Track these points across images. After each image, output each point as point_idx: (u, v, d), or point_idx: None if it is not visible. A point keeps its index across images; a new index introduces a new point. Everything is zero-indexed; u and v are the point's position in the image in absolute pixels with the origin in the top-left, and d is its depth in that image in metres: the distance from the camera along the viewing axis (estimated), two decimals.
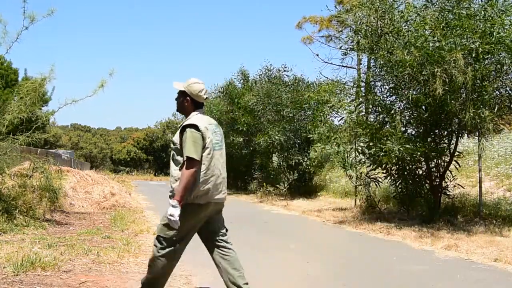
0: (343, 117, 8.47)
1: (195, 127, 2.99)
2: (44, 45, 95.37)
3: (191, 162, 2.92)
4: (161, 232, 3.07)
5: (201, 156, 2.98)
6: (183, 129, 3.03)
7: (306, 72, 71.02)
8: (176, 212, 2.93)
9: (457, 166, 8.38)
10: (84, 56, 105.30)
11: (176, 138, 3.10)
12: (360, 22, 7.84)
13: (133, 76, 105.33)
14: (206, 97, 3.20)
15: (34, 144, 7.42)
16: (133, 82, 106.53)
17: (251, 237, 6.53)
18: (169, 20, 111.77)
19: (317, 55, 39.70)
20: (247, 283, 3.15)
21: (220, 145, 3.18)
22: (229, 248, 3.25)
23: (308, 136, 10.84)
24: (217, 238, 3.25)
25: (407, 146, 7.09)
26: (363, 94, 8.48)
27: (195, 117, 3.10)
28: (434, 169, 8.20)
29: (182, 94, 3.18)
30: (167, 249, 3.05)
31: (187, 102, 3.16)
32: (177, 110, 3.33)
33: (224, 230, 3.29)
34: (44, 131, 9.54)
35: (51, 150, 19.91)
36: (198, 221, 3.14)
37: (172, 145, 3.17)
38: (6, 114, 6.52)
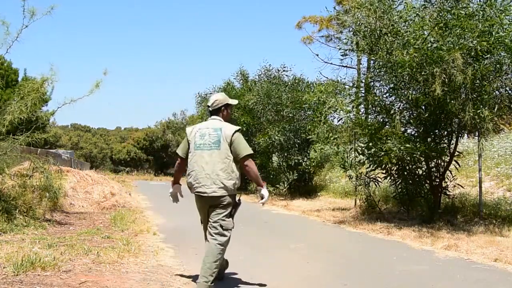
0: (342, 118, 8.47)
1: (185, 131, 3.88)
2: (44, 45, 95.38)
3: (175, 156, 3.97)
4: None
5: (186, 153, 3.79)
6: None
7: (306, 72, 71.19)
8: (169, 191, 4.14)
9: (457, 166, 8.38)
10: (83, 56, 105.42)
11: None
12: (359, 23, 7.84)
13: (133, 76, 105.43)
14: (211, 105, 3.83)
15: (34, 144, 7.42)
16: (133, 82, 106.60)
17: (251, 237, 6.53)
18: (169, 20, 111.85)
19: (317, 55, 39.75)
20: (212, 273, 3.48)
21: (210, 145, 3.64)
22: (208, 240, 3.66)
23: (308, 136, 10.84)
24: (209, 228, 3.68)
25: (407, 145, 7.10)
26: (362, 95, 8.48)
27: (194, 125, 3.94)
28: (434, 169, 8.21)
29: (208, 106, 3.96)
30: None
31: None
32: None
33: (211, 222, 3.64)
34: (44, 131, 9.55)
35: (51, 150, 19.90)
36: (199, 207, 3.79)
37: None
38: (6, 114, 6.52)
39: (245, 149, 3.64)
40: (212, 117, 3.81)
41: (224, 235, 3.59)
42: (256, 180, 3.75)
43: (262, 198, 3.74)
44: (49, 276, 3.58)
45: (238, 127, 3.76)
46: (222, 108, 3.83)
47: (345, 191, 12.85)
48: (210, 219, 3.63)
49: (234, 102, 4.05)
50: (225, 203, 3.60)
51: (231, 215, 3.67)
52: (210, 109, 3.82)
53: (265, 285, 3.92)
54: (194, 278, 4.10)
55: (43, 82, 6.82)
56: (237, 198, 3.75)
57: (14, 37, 6.53)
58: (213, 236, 3.59)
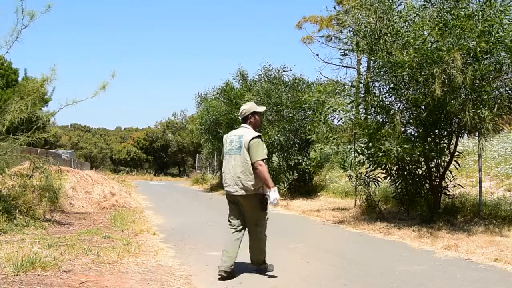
0: (341, 118, 8.47)
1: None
2: (44, 45, 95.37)
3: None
4: None
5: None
6: None
7: (306, 72, 71.15)
8: None
9: (457, 166, 8.38)
10: (83, 56, 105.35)
11: None
12: (359, 23, 7.84)
13: (133, 76, 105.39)
14: (239, 114, 4.39)
15: (34, 144, 7.42)
16: (133, 82, 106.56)
17: None
18: (169, 20, 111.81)
19: (317, 55, 39.87)
20: (230, 259, 4.15)
21: (234, 150, 4.20)
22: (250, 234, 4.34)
23: (308, 137, 10.84)
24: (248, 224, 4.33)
25: (406, 146, 7.10)
26: (362, 95, 8.48)
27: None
28: (434, 169, 8.21)
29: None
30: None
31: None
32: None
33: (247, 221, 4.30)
34: (44, 131, 9.54)
35: (51, 150, 19.90)
36: (229, 203, 4.36)
37: None
38: (6, 114, 6.52)
39: (257, 154, 4.10)
40: (242, 125, 4.35)
41: (258, 226, 4.29)
42: (264, 182, 4.11)
43: (268, 199, 4.10)
44: (49, 276, 3.58)
45: (257, 134, 4.20)
46: (249, 116, 4.32)
47: (345, 191, 12.84)
48: (246, 217, 4.29)
49: (262, 109, 4.45)
50: (249, 200, 4.15)
51: (262, 209, 4.23)
52: (240, 118, 4.37)
53: (265, 285, 3.92)
54: (194, 277, 4.10)
55: (43, 82, 6.81)
56: (268, 192, 4.08)
57: (14, 37, 6.53)
58: (250, 229, 4.31)
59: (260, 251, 4.31)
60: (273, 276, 4.26)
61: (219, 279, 4.05)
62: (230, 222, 4.35)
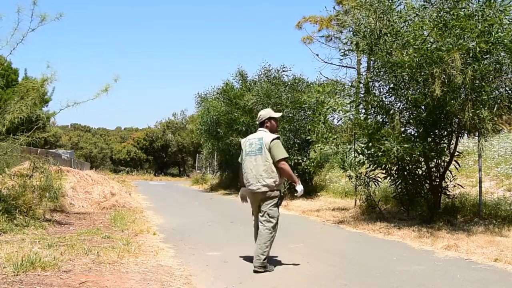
0: (341, 118, 8.47)
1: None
2: (44, 45, 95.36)
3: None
4: None
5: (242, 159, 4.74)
6: None
7: (306, 72, 71.09)
8: (239, 193, 4.85)
9: (457, 166, 8.38)
10: (83, 56, 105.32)
11: None
12: (358, 23, 7.83)
13: (133, 76, 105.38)
14: (257, 119, 4.81)
15: (34, 144, 7.42)
16: (133, 82, 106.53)
17: (251, 237, 6.53)
18: (169, 20, 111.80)
19: (317, 55, 39.82)
20: (263, 250, 4.42)
21: (255, 151, 4.58)
22: (259, 226, 4.57)
23: (307, 137, 10.84)
24: (259, 216, 4.62)
25: (406, 145, 7.10)
26: (362, 95, 8.48)
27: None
28: (434, 169, 8.21)
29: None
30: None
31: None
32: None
33: (261, 215, 4.59)
34: (44, 131, 9.54)
35: (51, 150, 19.90)
36: (251, 201, 4.71)
37: None
38: (6, 114, 6.52)
39: (279, 153, 4.50)
40: (259, 129, 4.76)
41: (270, 222, 4.51)
42: (289, 178, 4.61)
43: (296, 192, 4.60)
44: (49, 276, 3.58)
45: (276, 136, 4.62)
46: (266, 121, 4.72)
47: (345, 191, 12.84)
48: (260, 210, 4.59)
49: (277, 115, 4.82)
50: (269, 196, 4.51)
51: (276, 205, 4.56)
52: (258, 122, 4.80)
53: (265, 285, 3.92)
54: (194, 277, 4.11)
55: (44, 82, 6.81)
56: (295, 186, 4.54)
57: (19, 39, 6.51)
58: (262, 223, 4.54)
59: (266, 246, 4.43)
60: (273, 276, 4.26)
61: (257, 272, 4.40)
62: (256, 218, 4.74)
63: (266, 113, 4.77)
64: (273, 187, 4.48)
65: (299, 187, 4.54)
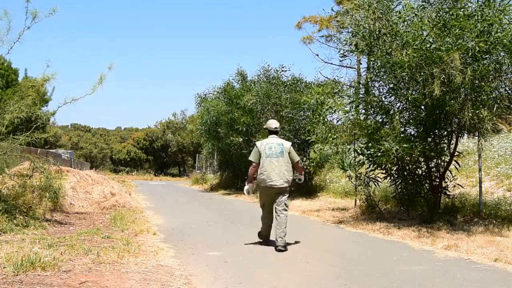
0: (340, 118, 8.46)
1: (256, 145, 5.86)
2: (44, 45, 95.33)
3: (250, 162, 5.82)
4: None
5: (259, 160, 5.71)
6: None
7: (306, 72, 71.23)
8: (245, 187, 5.91)
9: (457, 166, 8.38)
10: (83, 56, 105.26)
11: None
12: (358, 24, 7.83)
13: (133, 76, 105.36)
14: (274, 128, 5.94)
15: (34, 144, 7.42)
16: (133, 82, 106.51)
17: (251, 237, 6.53)
18: (169, 20, 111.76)
19: (317, 55, 39.79)
20: (284, 232, 5.57)
21: (278, 153, 5.67)
22: (278, 215, 5.67)
23: (307, 138, 10.85)
24: (276, 207, 5.73)
25: (405, 145, 7.10)
26: (361, 95, 8.48)
27: (261, 140, 5.92)
28: (434, 169, 8.20)
29: (265, 129, 6.17)
30: (262, 210, 5.98)
31: (267, 131, 6.03)
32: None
33: (278, 204, 5.72)
34: (44, 131, 9.53)
35: (51, 150, 19.90)
36: (267, 195, 5.78)
37: None
38: (6, 114, 6.51)
39: (297, 156, 5.90)
40: (273, 135, 5.87)
41: (287, 209, 5.73)
42: (301, 171, 6.11)
43: (300, 179, 6.11)
44: (49, 276, 3.58)
45: (291, 143, 5.94)
46: (279, 130, 6.04)
47: (345, 191, 12.84)
48: (277, 201, 5.69)
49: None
50: (287, 190, 5.73)
51: (288, 197, 5.81)
52: (273, 130, 5.90)
53: (265, 285, 3.91)
54: (194, 277, 4.11)
55: (44, 82, 6.80)
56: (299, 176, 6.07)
57: (16, 38, 6.51)
58: (281, 211, 5.65)
59: (285, 228, 5.59)
60: (273, 276, 4.26)
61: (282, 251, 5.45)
62: (264, 210, 5.92)
63: (279, 124, 6.07)
64: (290, 182, 5.75)
65: (302, 177, 6.08)
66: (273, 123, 5.96)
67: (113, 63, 7.11)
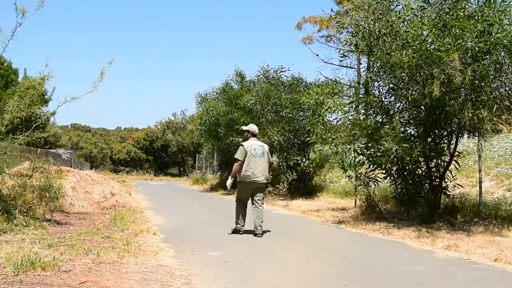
0: (340, 118, 8.46)
1: (241, 145, 6.72)
2: (44, 45, 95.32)
3: (235, 160, 6.64)
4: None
5: (244, 158, 6.55)
6: (239, 146, 6.79)
7: (306, 72, 71.14)
8: (228, 181, 6.67)
9: (457, 166, 8.38)
10: (83, 56, 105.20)
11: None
12: (357, 24, 7.83)
13: (133, 76, 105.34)
14: (257, 133, 6.88)
15: (34, 144, 7.41)
16: (133, 82, 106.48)
17: (251, 237, 6.53)
18: (169, 20, 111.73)
19: (317, 55, 39.83)
20: (262, 221, 6.62)
21: (260, 154, 6.62)
22: (257, 207, 6.68)
23: (307, 139, 10.85)
24: (256, 201, 6.73)
25: (404, 145, 7.10)
26: (361, 96, 8.48)
27: (246, 142, 6.76)
28: (434, 169, 8.20)
29: (246, 131, 6.94)
30: (238, 204, 6.88)
31: (248, 133, 6.86)
32: (243, 140, 7.13)
33: (257, 198, 6.73)
34: (44, 130, 9.52)
35: (51, 150, 19.91)
36: (248, 190, 6.70)
37: None
38: (5, 113, 6.51)
39: (273, 157, 7.04)
40: (254, 138, 6.82)
41: (263, 201, 6.79)
42: (271, 170, 6.95)
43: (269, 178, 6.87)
44: (49, 276, 3.58)
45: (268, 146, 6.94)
46: (257, 134, 6.92)
47: (345, 191, 12.84)
48: (256, 197, 6.69)
49: None
50: (266, 185, 6.80)
51: (264, 192, 6.89)
52: (255, 134, 6.83)
53: (265, 285, 3.92)
54: (194, 277, 4.11)
55: (41, 79, 6.79)
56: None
57: (10, 35, 6.50)
58: (261, 205, 6.69)
59: (262, 217, 6.64)
60: (273, 276, 4.26)
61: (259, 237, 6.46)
62: (240, 201, 6.83)
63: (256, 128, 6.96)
64: (268, 178, 6.74)
65: (270, 177, 6.90)
66: (256, 128, 6.90)
67: (113, 59, 7.10)
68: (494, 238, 6.21)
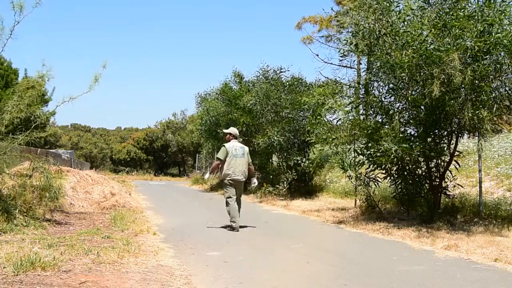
0: (340, 118, 8.46)
1: (224, 146, 7.32)
2: (44, 45, 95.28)
3: (217, 159, 7.39)
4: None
5: (225, 158, 7.20)
6: (221, 146, 7.40)
7: (306, 73, 71.19)
8: (206, 174, 8.07)
9: (457, 166, 8.38)
10: (83, 56, 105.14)
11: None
12: (358, 24, 7.83)
13: (133, 76, 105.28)
14: (238, 135, 7.58)
15: (34, 144, 7.41)
16: (133, 82, 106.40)
17: (251, 237, 6.54)
18: (169, 20, 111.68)
19: (317, 55, 39.75)
20: (239, 217, 7.24)
21: (241, 155, 7.27)
22: (236, 203, 7.30)
23: (307, 139, 10.85)
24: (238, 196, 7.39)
25: (404, 145, 7.10)
26: (361, 96, 8.48)
27: (228, 143, 7.37)
28: (434, 169, 8.20)
29: (228, 133, 7.54)
30: (229, 200, 7.29)
31: (229, 136, 7.47)
32: (225, 142, 7.58)
33: (238, 195, 7.39)
34: (44, 130, 9.52)
35: (51, 150, 19.90)
36: (234, 187, 7.26)
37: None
38: (5, 113, 6.50)
39: (251, 159, 7.58)
40: (235, 140, 7.44)
41: (241, 201, 7.50)
42: (253, 173, 7.77)
43: (253, 183, 7.78)
44: (49, 276, 3.58)
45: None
46: (237, 136, 7.55)
47: (345, 191, 12.83)
48: (237, 192, 7.31)
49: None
50: (244, 182, 7.40)
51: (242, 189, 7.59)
52: (236, 136, 7.48)
53: (265, 285, 3.91)
54: (194, 277, 4.11)
55: (40, 78, 6.78)
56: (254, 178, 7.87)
57: (8, 34, 6.49)
58: (239, 199, 7.40)
59: (239, 211, 7.28)
60: (273, 276, 4.26)
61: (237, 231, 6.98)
62: (232, 198, 7.24)
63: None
64: (246, 177, 7.39)
65: (255, 180, 7.81)
66: (237, 131, 7.60)
67: (107, 62, 7.15)
68: (494, 238, 6.21)
